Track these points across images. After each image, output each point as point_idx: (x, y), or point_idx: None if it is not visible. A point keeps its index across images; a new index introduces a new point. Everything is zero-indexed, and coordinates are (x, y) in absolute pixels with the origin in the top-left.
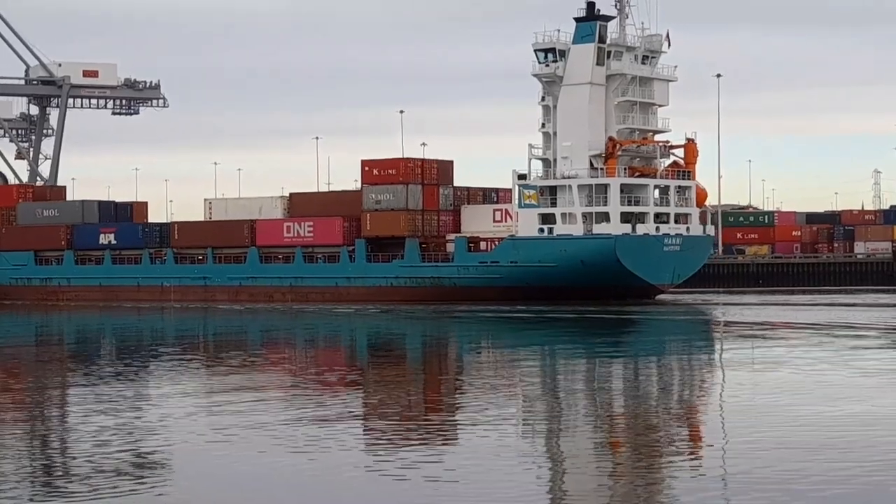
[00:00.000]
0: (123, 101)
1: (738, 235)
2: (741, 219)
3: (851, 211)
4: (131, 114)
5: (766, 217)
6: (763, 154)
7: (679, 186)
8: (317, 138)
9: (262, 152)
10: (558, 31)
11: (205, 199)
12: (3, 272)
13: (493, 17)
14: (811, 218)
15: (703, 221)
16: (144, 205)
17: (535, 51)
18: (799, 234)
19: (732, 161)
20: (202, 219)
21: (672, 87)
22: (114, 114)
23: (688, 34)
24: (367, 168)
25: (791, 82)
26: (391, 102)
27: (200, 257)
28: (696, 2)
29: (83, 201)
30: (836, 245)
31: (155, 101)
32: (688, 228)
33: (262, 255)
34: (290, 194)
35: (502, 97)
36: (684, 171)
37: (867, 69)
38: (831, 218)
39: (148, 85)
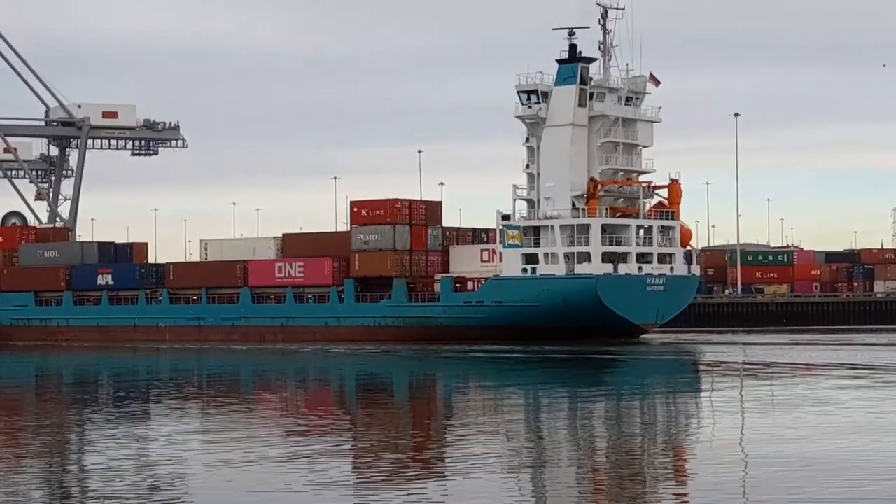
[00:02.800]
0: (143, 142)
1: (757, 275)
2: (760, 258)
3: (871, 250)
4: (150, 154)
5: (785, 256)
6: (780, 192)
7: (662, 226)
8: (335, 178)
9: (281, 192)
10: (541, 72)
11: (201, 240)
12: (4, 313)
13: (491, 57)
14: (830, 257)
15: (688, 261)
16: (144, 245)
17: (518, 92)
18: (818, 273)
19: (750, 200)
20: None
21: (684, 124)
22: (133, 154)
23: (699, 73)
24: (355, 209)
25: (808, 119)
26: (402, 141)
27: (195, 298)
28: (709, 40)
29: (83, 242)
30: (855, 284)
31: (174, 142)
32: (671, 268)
33: (254, 295)
34: (284, 235)
35: (505, 135)
36: (668, 211)
37: (885, 105)
38: (851, 257)
39: (167, 126)
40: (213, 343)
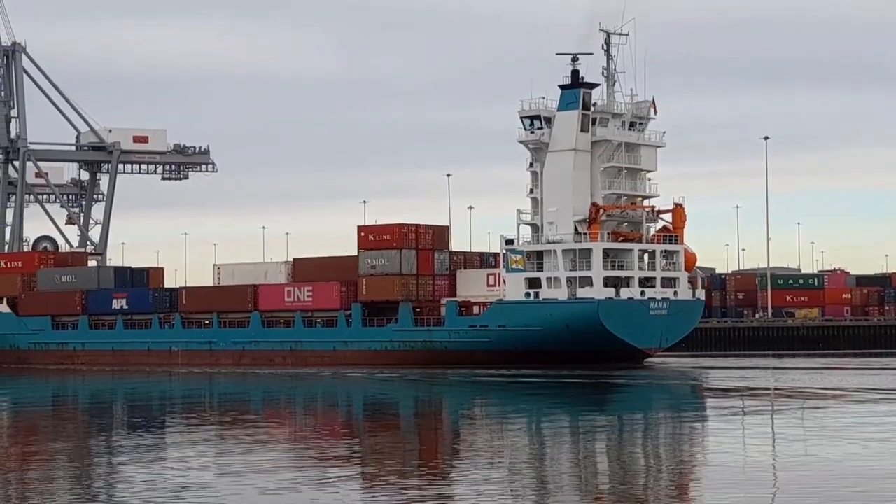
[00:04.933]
0: (173, 167)
1: (788, 298)
2: (790, 281)
3: None
4: (181, 179)
5: (816, 280)
6: (810, 216)
7: (666, 251)
8: (364, 201)
9: (310, 215)
10: (543, 98)
11: (213, 265)
12: (21, 337)
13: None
14: (861, 280)
15: (693, 285)
16: (161, 270)
17: (521, 118)
18: (849, 296)
19: (779, 223)
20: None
21: (714, 147)
22: (163, 179)
23: (731, 95)
24: (362, 233)
25: (837, 143)
26: (432, 164)
27: (207, 322)
28: (741, 61)
29: (98, 267)
30: (887, 308)
31: (204, 166)
32: (675, 292)
33: (264, 319)
34: (294, 259)
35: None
36: (672, 235)
37: None
38: (882, 280)
39: (197, 150)
40: (225, 367)
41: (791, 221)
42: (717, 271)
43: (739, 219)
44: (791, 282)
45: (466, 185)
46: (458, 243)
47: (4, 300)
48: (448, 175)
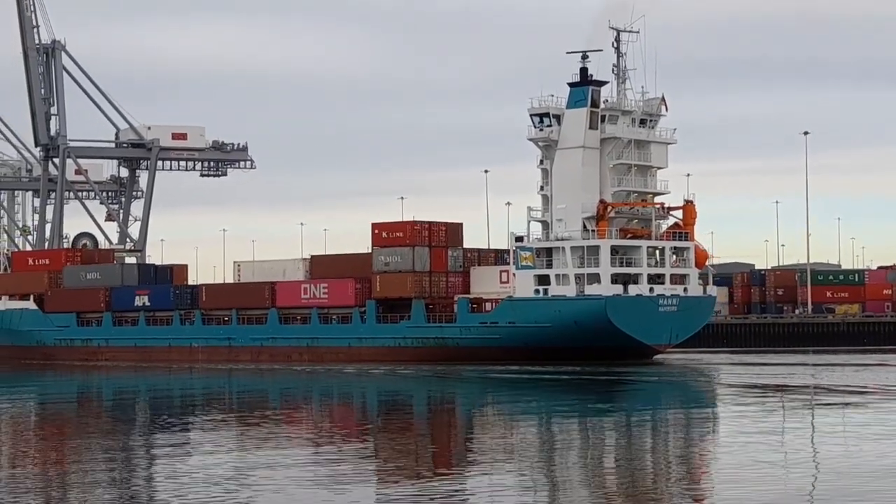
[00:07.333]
0: (211, 163)
1: (828, 294)
2: (830, 277)
3: None
4: (219, 175)
5: (857, 275)
6: (849, 212)
7: (676, 248)
8: (401, 198)
9: (347, 212)
10: (552, 96)
11: (234, 262)
12: (48, 333)
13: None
14: None
15: (704, 282)
16: (185, 267)
17: (531, 115)
18: (889, 292)
19: (819, 219)
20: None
21: (747, 145)
22: (202, 175)
23: (770, 92)
24: (376, 231)
25: (873, 139)
26: (470, 163)
27: (226, 318)
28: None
29: (122, 264)
30: None
31: (242, 163)
32: (685, 289)
33: (281, 316)
34: (311, 256)
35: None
36: (682, 232)
37: None
38: None
39: (235, 147)
40: (243, 363)
41: (831, 217)
42: (757, 267)
43: (779, 215)
44: (831, 277)
45: (506, 182)
46: (496, 239)
47: (31, 297)
48: (486, 171)
